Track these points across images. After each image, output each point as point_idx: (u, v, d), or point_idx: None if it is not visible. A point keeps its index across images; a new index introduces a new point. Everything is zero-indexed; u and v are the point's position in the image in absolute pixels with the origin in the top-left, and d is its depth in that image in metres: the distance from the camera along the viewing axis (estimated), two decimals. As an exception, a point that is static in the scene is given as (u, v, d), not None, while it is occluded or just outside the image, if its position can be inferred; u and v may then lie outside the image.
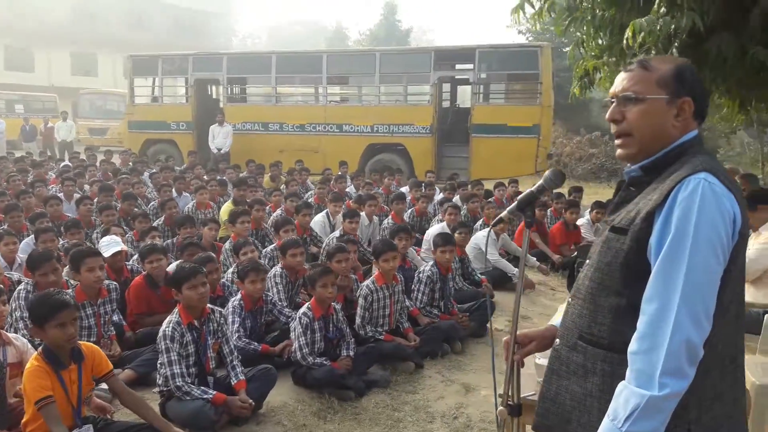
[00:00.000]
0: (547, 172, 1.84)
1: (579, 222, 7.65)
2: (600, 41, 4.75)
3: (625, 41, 3.79)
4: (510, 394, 1.92)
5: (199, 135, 14.36)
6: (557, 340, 1.76)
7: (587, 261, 1.73)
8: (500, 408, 1.94)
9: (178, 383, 3.49)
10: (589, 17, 4.43)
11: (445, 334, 4.80)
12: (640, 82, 1.59)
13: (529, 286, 6.48)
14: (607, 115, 1.68)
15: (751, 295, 3.75)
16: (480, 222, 7.65)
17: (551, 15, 4.90)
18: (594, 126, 21.39)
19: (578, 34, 5.11)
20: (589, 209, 7.92)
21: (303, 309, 4.25)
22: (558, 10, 4.73)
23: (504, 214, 1.90)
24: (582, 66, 5.74)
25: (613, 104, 1.64)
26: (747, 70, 4.23)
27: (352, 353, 4.27)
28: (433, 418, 3.91)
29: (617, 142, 1.67)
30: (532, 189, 1.84)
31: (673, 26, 3.60)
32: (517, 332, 1.87)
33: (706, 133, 18.34)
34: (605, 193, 13.23)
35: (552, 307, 6.20)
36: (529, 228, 1.85)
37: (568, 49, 22.54)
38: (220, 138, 13.49)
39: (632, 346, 1.45)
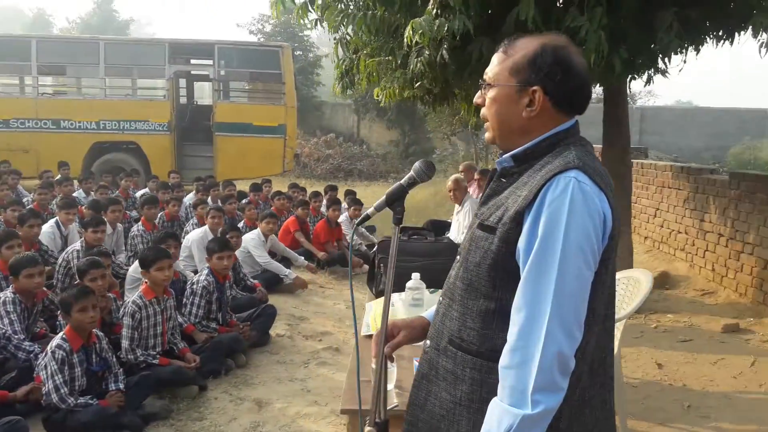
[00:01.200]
0: (417, 164, 1.67)
1: (339, 219, 7.76)
2: (370, 39, 4.80)
3: (405, 39, 3.85)
4: (377, 411, 1.74)
5: None
6: (427, 341, 1.61)
7: (457, 257, 1.61)
8: (367, 428, 1.75)
9: None
10: (361, 15, 4.44)
11: (227, 348, 4.37)
12: (496, 67, 1.49)
13: (302, 286, 6.33)
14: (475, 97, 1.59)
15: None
16: (241, 224, 7.27)
17: (320, 12, 4.81)
18: (327, 128, 22.32)
19: (347, 31, 5.11)
20: (347, 206, 8.08)
21: (56, 341, 3.47)
22: (328, 6, 4.64)
23: (371, 210, 1.69)
24: (342, 65, 5.78)
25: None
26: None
27: (122, 386, 3.64)
28: (228, 444, 3.53)
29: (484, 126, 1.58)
30: (402, 182, 1.65)
31: (446, 27, 3.76)
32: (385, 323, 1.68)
33: (431, 135, 20.51)
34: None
35: (324, 305, 6.14)
36: (398, 225, 1.67)
37: (299, 53, 22.97)
38: None
39: (503, 360, 1.35)
